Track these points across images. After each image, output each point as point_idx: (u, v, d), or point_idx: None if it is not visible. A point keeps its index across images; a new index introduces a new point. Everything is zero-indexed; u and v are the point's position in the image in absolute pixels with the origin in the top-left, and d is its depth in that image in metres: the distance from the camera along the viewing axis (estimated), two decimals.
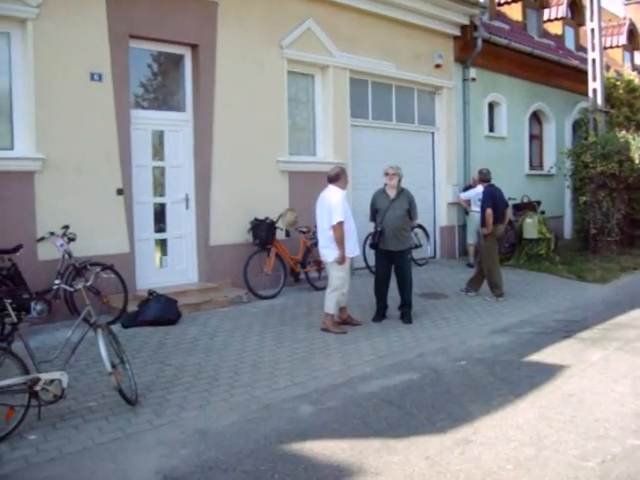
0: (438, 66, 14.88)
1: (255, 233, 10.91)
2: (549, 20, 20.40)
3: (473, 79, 15.82)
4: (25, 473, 4.79)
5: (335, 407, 6.04)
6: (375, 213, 9.38)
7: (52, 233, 8.90)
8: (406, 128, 14.61)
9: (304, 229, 11.29)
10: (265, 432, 5.45)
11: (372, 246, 9.39)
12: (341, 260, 8.52)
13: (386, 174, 9.33)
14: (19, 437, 5.31)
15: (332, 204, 8.45)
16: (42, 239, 8.90)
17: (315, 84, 12.72)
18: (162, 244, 10.70)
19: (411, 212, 9.27)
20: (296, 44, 11.92)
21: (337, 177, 8.71)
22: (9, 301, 5.53)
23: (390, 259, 9.25)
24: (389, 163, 9.95)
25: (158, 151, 10.60)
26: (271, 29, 11.54)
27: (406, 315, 9.25)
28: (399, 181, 9.31)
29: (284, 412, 5.93)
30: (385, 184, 9.39)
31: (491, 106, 17.01)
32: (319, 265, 11.22)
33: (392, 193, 9.27)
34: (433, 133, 15.31)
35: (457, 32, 15.18)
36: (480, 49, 15.29)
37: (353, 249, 8.71)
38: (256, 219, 10.97)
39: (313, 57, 12.29)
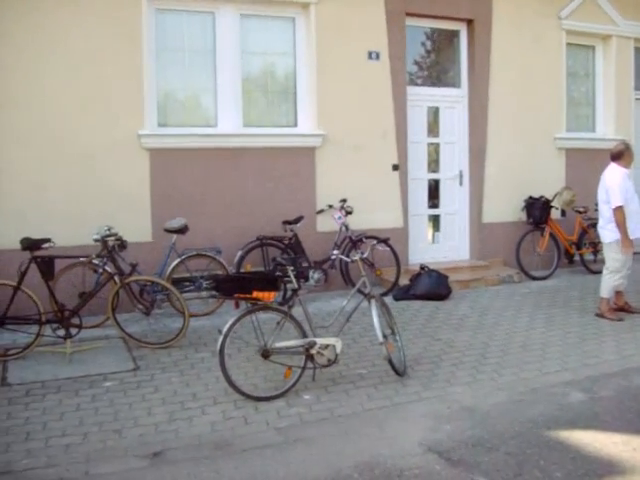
0: None
1: (529, 212, 10.66)
2: None
3: None
4: (299, 429, 5.12)
5: (608, 397, 5.75)
6: None
7: (330, 206, 9.37)
8: None
9: (581, 209, 10.80)
10: (532, 416, 5.33)
11: None
12: (624, 246, 7.96)
13: None
14: (295, 396, 5.68)
15: (610, 186, 7.89)
16: (321, 211, 9.42)
17: (595, 56, 12.03)
18: (435, 220, 10.84)
19: None
20: (576, 14, 11.31)
21: (620, 154, 8.13)
22: (291, 268, 5.89)
23: None
24: None
25: (433, 127, 10.70)
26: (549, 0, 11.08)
27: None
28: None
29: (553, 397, 5.75)
30: None
31: None
32: (595, 247, 10.75)
33: None
34: None
35: None
36: None
37: (634, 230, 8.08)
38: (530, 197, 10.70)
39: (594, 27, 11.60)
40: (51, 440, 4.91)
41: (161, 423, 5.20)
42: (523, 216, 10.79)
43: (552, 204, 10.65)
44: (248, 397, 5.57)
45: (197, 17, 9.04)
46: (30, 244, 6.72)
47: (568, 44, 11.46)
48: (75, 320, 6.86)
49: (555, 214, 10.84)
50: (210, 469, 4.47)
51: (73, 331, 6.82)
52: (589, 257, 11.03)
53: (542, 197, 10.62)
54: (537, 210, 10.54)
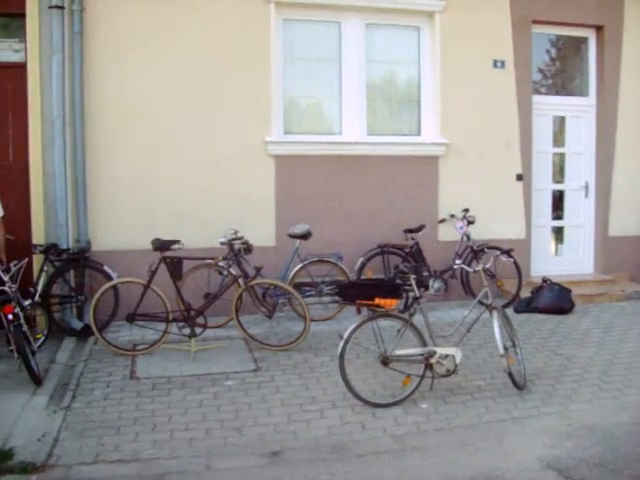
0: None
1: None
2: None
3: None
4: (416, 438, 5.14)
5: None
6: None
7: (452, 215, 9.32)
8: None
9: None
10: None
11: None
12: None
13: None
14: (413, 404, 5.71)
15: None
16: (443, 221, 9.40)
17: None
18: (558, 232, 10.58)
19: None
20: None
21: None
22: (413, 276, 5.91)
23: None
24: None
25: (558, 137, 10.47)
26: None
27: None
28: None
29: None
30: None
31: None
32: None
33: None
34: None
35: None
36: None
37: None
38: None
39: None
40: (175, 433, 5.15)
41: (280, 424, 5.34)
42: None
43: None
44: (366, 403, 5.63)
45: (323, 27, 9.20)
46: (160, 245, 7.03)
47: None
48: (200, 320, 7.12)
49: None
50: (326, 472, 4.57)
51: (198, 330, 7.07)
52: None
53: None
54: None
